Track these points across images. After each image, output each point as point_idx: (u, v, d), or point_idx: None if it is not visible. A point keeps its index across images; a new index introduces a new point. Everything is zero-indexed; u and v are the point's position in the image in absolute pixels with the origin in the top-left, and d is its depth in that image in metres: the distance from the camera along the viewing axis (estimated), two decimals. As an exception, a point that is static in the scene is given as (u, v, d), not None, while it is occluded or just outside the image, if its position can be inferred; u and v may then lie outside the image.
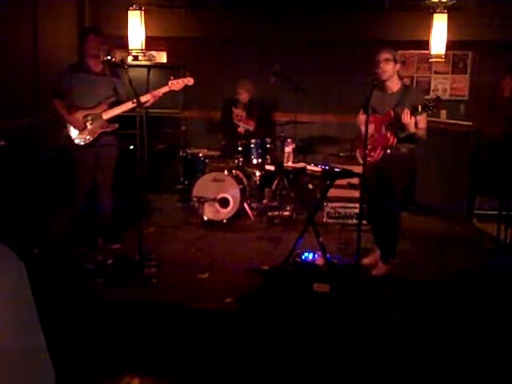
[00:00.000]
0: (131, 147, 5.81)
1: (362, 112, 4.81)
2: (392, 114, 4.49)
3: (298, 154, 6.41)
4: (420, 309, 4.07)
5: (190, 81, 4.91)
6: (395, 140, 4.51)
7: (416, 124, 4.38)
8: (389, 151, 4.54)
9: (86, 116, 4.88)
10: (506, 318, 3.91)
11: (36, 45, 6.20)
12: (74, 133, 4.91)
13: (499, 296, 4.25)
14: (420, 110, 4.29)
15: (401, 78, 4.67)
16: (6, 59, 5.60)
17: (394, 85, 4.57)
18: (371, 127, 4.50)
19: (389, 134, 4.51)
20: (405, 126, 4.36)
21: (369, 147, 4.55)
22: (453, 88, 7.71)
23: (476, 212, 6.41)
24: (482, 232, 6.04)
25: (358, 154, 4.84)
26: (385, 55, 4.48)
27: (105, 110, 4.91)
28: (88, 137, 4.90)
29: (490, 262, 4.84)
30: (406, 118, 4.28)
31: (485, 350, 3.49)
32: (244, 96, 6.77)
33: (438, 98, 4.31)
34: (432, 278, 4.66)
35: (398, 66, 4.58)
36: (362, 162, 4.76)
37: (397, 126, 4.45)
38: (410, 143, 4.58)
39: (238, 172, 6.40)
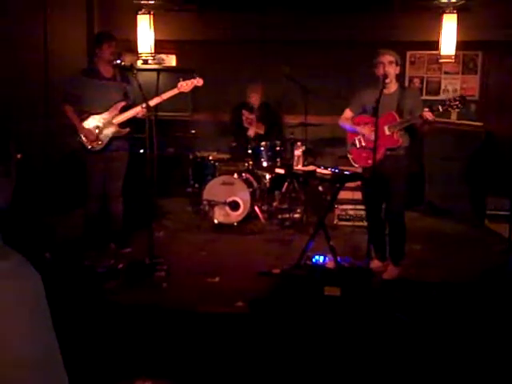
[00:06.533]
0: (141, 151, 5.84)
1: (348, 110, 4.78)
2: (395, 115, 4.46)
3: (308, 156, 6.39)
4: (431, 311, 4.04)
5: (199, 81, 4.86)
6: (402, 141, 4.49)
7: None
8: (389, 153, 4.51)
9: (97, 126, 4.88)
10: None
11: (46, 49, 6.24)
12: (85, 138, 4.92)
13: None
14: (441, 109, 4.27)
15: (397, 79, 4.64)
16: (17, 64, 5.64)
17: (392, 85, 4.55)
18: (369, 128, 4.47)
19: (395, 136, 4.48)
20: (427, 124, 4.31)
21: (367, 149, 4.53)
22: (463, 88, 7.67)
23: (487, 212, 6.37)
24: (494, 233, 6.00)
25: (350, 157, 4.75)
26: (389, 58, 4.46)
27: (116, 115, 4.92)
28: (99, 142, 4.91)
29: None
30: (430, 116, 4.24)
31: (496, 351, 3.46)
32: (255, 99, 6.75)
33: (462, 96, 4.28)
34: (443, 280, 4.64)
35: (398, 68, 4.57)
36: (355, 165, 4.73)
37: (402, 126, 4.43)
38: (407, 144, 4.57)
39: (247, 175, 6.39)
